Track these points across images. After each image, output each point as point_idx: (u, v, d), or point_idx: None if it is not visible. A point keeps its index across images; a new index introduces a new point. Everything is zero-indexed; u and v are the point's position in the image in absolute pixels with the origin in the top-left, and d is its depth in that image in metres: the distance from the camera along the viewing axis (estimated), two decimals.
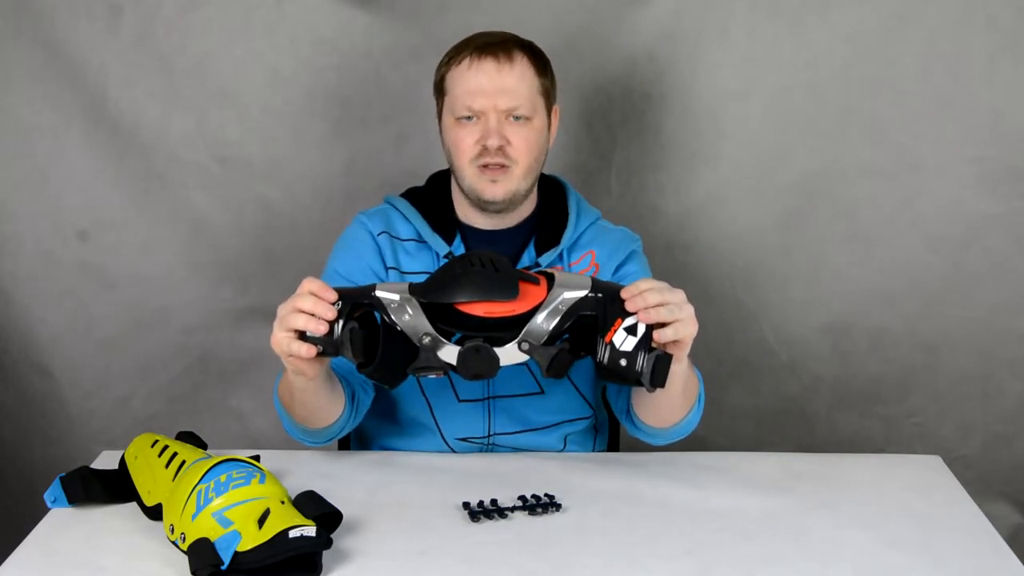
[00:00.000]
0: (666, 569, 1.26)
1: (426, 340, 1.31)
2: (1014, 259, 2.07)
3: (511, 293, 1.32)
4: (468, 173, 1.57)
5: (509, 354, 1.32)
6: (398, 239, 1.63)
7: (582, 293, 1.32)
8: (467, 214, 1.64)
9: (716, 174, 2.09)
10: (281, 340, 1.33)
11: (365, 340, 1.32)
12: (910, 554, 1.30)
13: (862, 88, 2.02)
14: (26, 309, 2.14)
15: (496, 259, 1.35)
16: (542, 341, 1.31)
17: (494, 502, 1.39)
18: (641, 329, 1.29)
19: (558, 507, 1.40)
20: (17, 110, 2.06)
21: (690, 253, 2.12)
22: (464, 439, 1.63)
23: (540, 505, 1.39)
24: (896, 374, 2.17)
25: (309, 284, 1.34)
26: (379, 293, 1.33)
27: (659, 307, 1.30)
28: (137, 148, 2.07)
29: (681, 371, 1.38)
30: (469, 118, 1.55)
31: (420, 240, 1.63)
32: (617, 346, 1.29)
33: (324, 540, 1.20)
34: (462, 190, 1.60)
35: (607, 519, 1.38)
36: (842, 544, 1.32)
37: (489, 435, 1.62)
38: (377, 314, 1.35)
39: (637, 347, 1.29)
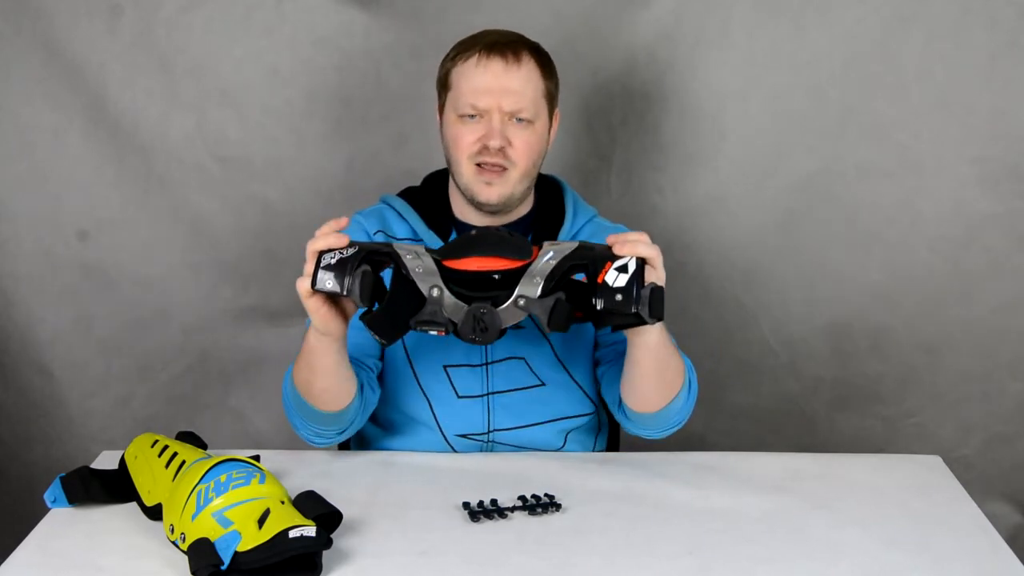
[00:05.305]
0: (666, 569, 1.26)
1: (435, 292, 1.34)
2: (1014, 259, 2.07)
3: (525, 253, 1.35)
4: (465, 170, 1.57)
5: (507, 313, 1.34)
6: (394, 239, 1.63)
7: (570, 249, 1.35)
8: (463, 211, 1.64)
9: (716, 174, 2.09)
10: (306, 279, 1.34)
11: (373, 288, 1.35)
12: (910, 554, 1.30)
13: (862, 88, 2.02)
14: (26, 309, 2.14)
15: (511, 232, 1.39)
16: (537, 295, 1.33)
17: (494, 502, 1.39)
18: (632, 266, 1.31)
19: (558, 507, 1.40)
20: (17, 110, 2.06)
21: (690, 253, 2.12)
22: (464, 435, 1.63)
23: (540, 505, 1.39)
24: (896, 374, 2.16)
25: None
26: (396, 247, 1.37)
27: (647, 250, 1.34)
28: (137, 148, 2.08)
29: (655, 338, 1.39)
30: (472, 116, 1.55)
31: (416, 239, 1.63)
32: (611, 284, 1.31)
33: (324, 540, 1.20)
34: (458, 187, 1.60)
35: (607, 519, 1.38)
36: (842, 544, 1.32)
37: (488, 431, 1.62)
38: (387, 280, 1.37)
39: (631, 281, 1.31)
